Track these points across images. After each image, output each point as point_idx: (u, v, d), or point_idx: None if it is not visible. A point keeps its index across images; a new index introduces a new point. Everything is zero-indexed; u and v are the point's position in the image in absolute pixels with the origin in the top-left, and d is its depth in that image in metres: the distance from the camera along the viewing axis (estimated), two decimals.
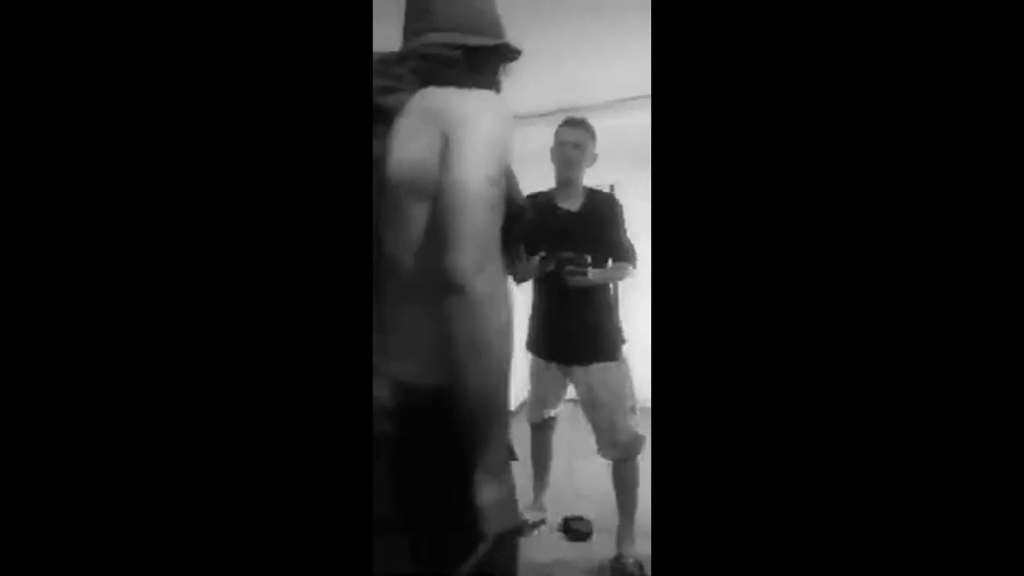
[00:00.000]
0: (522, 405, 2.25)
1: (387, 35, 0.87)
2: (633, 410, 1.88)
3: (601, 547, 1.97)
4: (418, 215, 0.74)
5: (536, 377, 2.05)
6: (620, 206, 1.96)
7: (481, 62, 0.83)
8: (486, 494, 0.68)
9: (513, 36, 0.88)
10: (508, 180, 0.73)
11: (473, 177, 0.67)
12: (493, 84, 0.85)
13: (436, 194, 0.70)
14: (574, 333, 1.87)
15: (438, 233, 0.68)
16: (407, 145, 0.73)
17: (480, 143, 0.69)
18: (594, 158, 1.95)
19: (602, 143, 1.98)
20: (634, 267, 1.94)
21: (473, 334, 0.66)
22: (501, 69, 0.88)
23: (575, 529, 2.08)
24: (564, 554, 1.97)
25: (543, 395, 2.05)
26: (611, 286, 2.02)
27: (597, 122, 1.99)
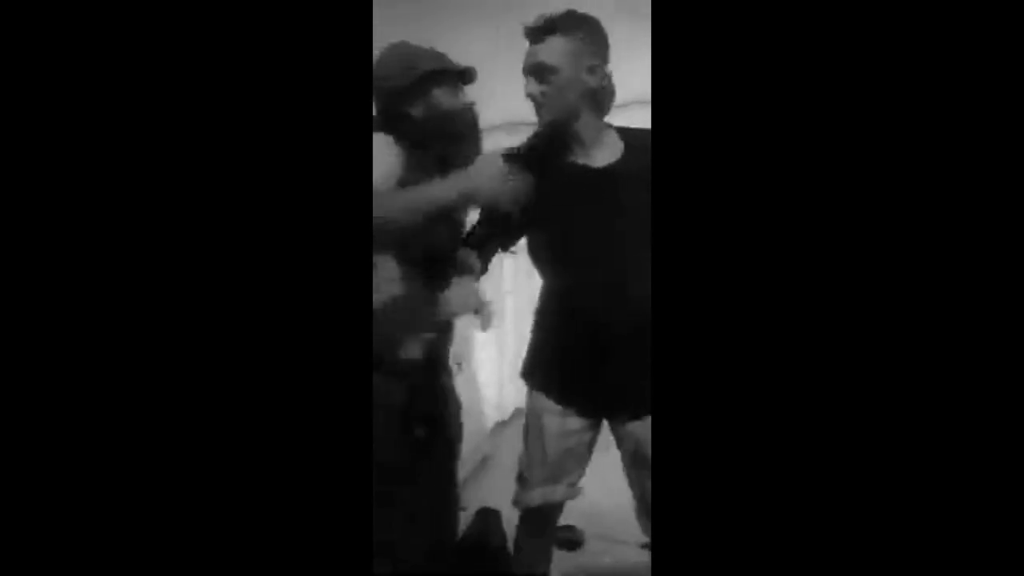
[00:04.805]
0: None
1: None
2: None
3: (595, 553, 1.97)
4: None
5: (545, 436, 1.22)
6: None
7: None
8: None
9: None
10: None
11: None
12: None
13: None
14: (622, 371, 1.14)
15: None
16: None
17: None
18: (606, 79, 1.10)
19: None
20: None
21: None
22: None
23: (566, 538, 2.07)
24: (559, 563, 1.95)
25: (558, 462, 1.24)
26: None
27: None
